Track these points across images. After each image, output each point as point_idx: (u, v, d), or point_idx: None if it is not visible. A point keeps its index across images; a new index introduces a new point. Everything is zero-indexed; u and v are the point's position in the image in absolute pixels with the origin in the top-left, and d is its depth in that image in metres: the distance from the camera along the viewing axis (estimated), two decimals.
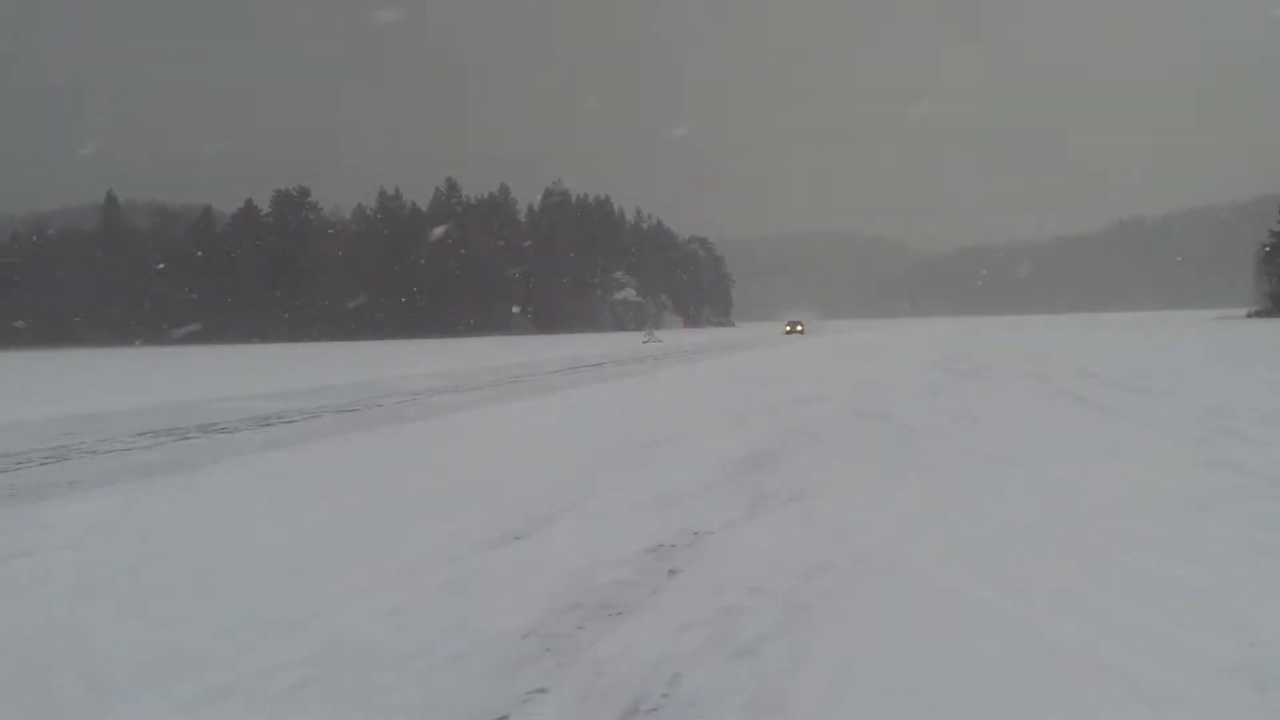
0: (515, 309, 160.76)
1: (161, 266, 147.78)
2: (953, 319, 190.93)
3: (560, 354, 63.48)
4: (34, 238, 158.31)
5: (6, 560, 9.18)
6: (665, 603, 7.47)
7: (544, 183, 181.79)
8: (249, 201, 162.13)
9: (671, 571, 8.31)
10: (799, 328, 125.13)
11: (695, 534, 9.68)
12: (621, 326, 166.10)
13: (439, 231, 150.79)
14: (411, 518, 10.78)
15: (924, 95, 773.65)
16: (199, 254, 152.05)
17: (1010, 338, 69.62)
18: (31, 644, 6.83)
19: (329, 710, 5.65)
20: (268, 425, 21.97)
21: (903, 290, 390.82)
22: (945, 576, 7.80)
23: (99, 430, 21.60)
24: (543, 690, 5.84)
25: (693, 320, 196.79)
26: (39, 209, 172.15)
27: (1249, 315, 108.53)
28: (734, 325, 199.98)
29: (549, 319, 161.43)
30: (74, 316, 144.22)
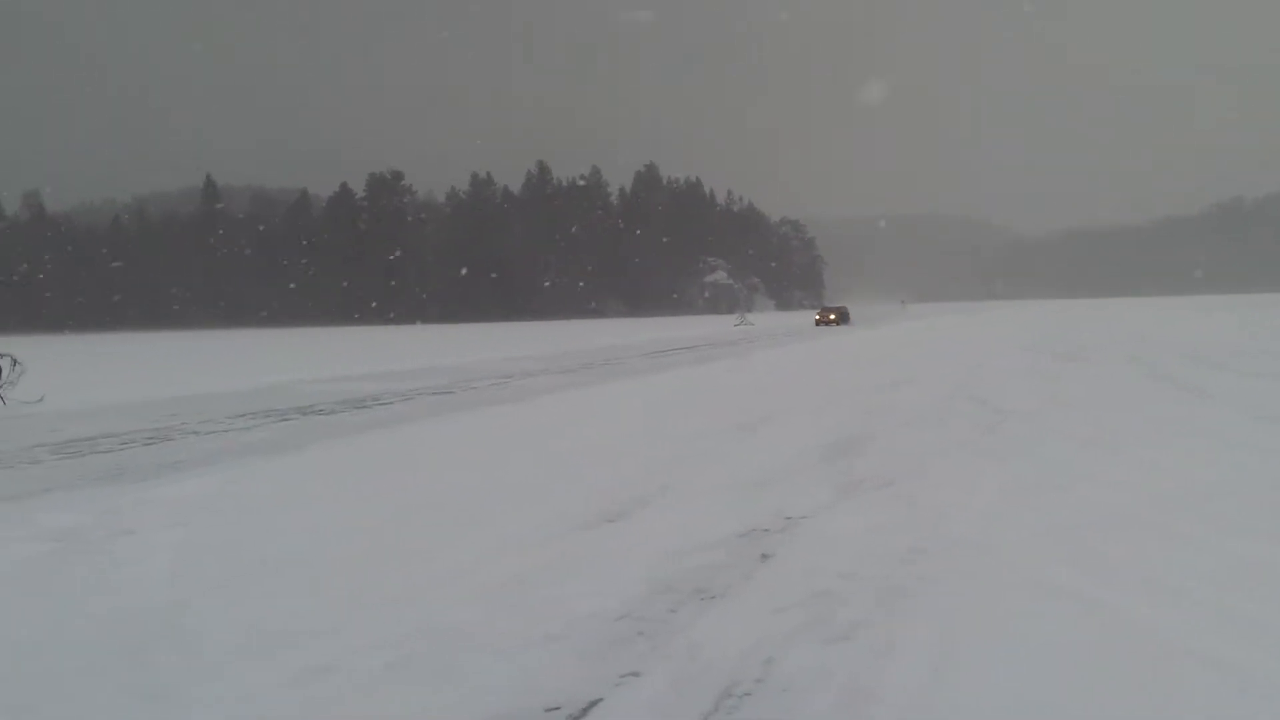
0: (607, 292, 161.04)
1: (256, 250, 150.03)
2: (1048, 302, 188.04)
3: (651, 337, 63.53)
4: (135, 222, 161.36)
5: (112, 538, 9.38)
6: (758, 587, 7.46)
7: (635, 165, 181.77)
8: (344, 185, 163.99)
9: (764, 556, 8.30)
10: (831, 317, 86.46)
11: (787, 518, 9.65)
12: (713, 309, 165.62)
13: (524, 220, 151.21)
14: (505, 499, 10.86)
15: (1017, 73, 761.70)
16: (295, 237, 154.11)
17: (1107, 320, 68.50)
18: (135, 620, 6.97)
19: (424, 689, 5.71)
20: (363, 407, 22.24)
21: (996, 273, 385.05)
22: (1039, 563, 7.71)
23: (200, 412, 22.01)
24: (636, 674, 5.86)
25: (784, 303, 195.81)
26: (140, 193, 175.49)
27: None
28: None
29: (641, 302, 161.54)
30: (173, 299, 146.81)
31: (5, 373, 24.86)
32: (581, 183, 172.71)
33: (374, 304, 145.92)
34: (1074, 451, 12.94)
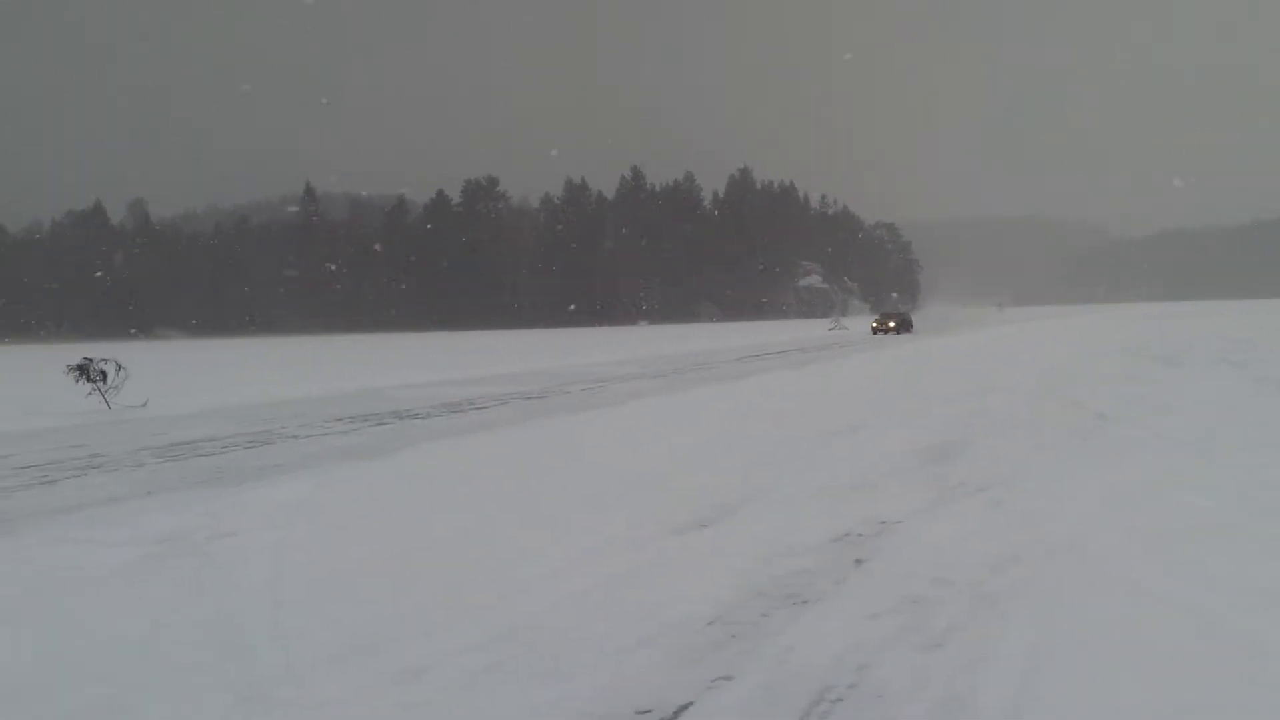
0: (700, 297, 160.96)
1: (353, 256, 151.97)
2: (1150, 304, 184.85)
3: (744, 341, 63.42)
4: (235, 229, 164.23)
5: (212, 540, 9.55)
6: (851, 592, 7.43)
7: (729, 169, 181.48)
8: (440, 191, 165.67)
9: (858, 561, 8.26)
10: (890, 325, 75.80)
11: (881, 523, 9.60)
12: (807, 313, 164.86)
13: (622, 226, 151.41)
14: (598, 503, 10.90)
15: (1112, 72, 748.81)
16: (391, 243, 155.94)
17: (1210, 323, 67.14)
18: (235, 620, 7.10)
19: (516, 691, 5.75)
20: (458, 411, 22.46)
21: (1094, 275, 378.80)
22: (1137, 569, 7.59)
23: (298, 416, 22.36)
24: (728, 677, 5.86)
25: (879, 307, 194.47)
26: (241, 201, 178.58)
27: None
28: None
29: (734, 306, 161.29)
30: (271, 305, 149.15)
31: (110, 378, 25.45)
32: (675, 187, 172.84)
33: (469, 309, 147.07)
34: (1173, 457, 12.72)
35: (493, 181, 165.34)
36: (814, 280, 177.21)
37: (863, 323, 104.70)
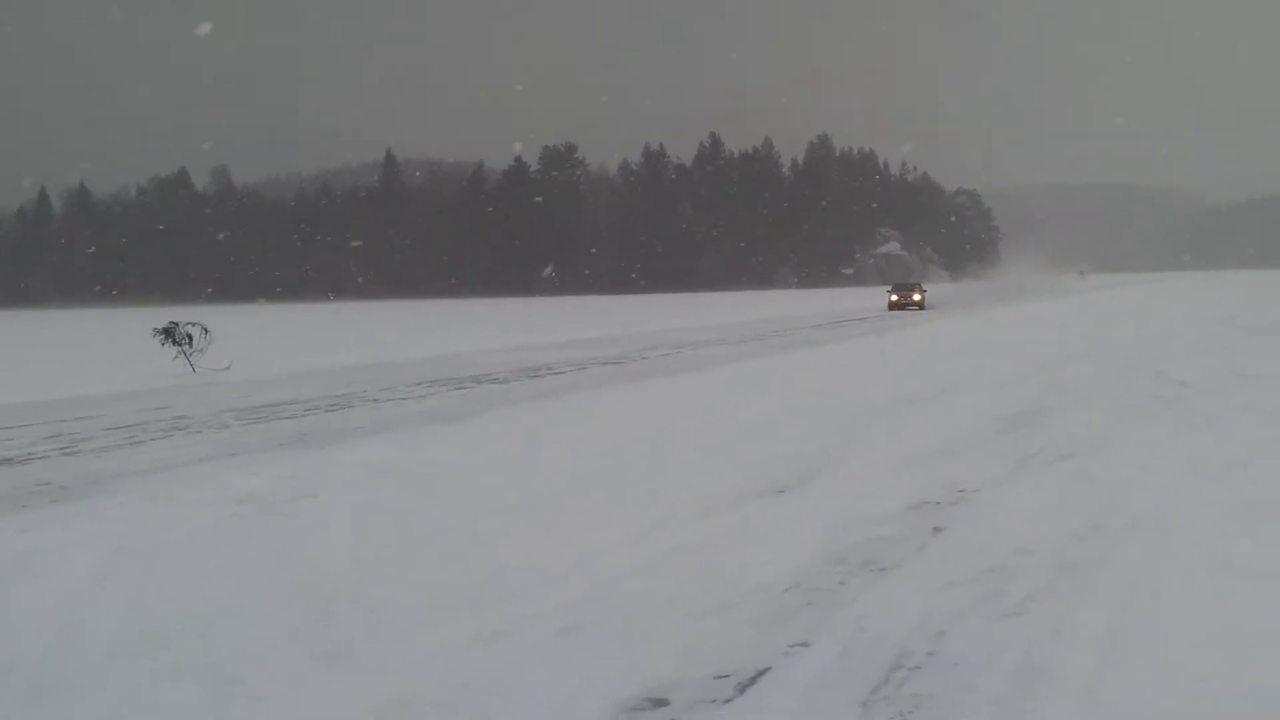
0: (778, 263, 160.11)
1: (433, 222, 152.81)
2: (1239, 272, 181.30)
3: (823, 308, 63.07)
4: (318, 195, 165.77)
5: (295, 501, 9.69)
6: (929, 560, 7.39)
7: (808, 135, 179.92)
8: (518, 158, 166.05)
9: (936, 529, 8.22)
10: (915, 298, 62.20)
11: (960, 491, 9.54)
12: (885, 281, 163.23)
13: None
14: (675, 469, 10.93)
15: (1204, 36, 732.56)
16: (471, 209, 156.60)
17: None
18: (317, 582, 7.19)
19: (595, 656, 5.78)
20: (537, 376, 22.58)
21: (1183, 242, 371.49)
22: (1221, 540, 7.48)
23: (380, 380, 22.57)
24: (805, 644, 5.86)
25: (958, 274, 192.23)
26: (324, 167, 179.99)
27: None
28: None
29: (813, 274, 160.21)
30: (354, 271, 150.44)
31: (196, 341, 25.84)
32: (753, 154, 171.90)
33: (548, 275, 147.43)
34: (1258, 426, 12.49)
35: (571, 148, 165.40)
36: (893, 248, 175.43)
37: (942, 291, 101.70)
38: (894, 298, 61.51)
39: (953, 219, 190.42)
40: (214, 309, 67.06)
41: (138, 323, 28.51)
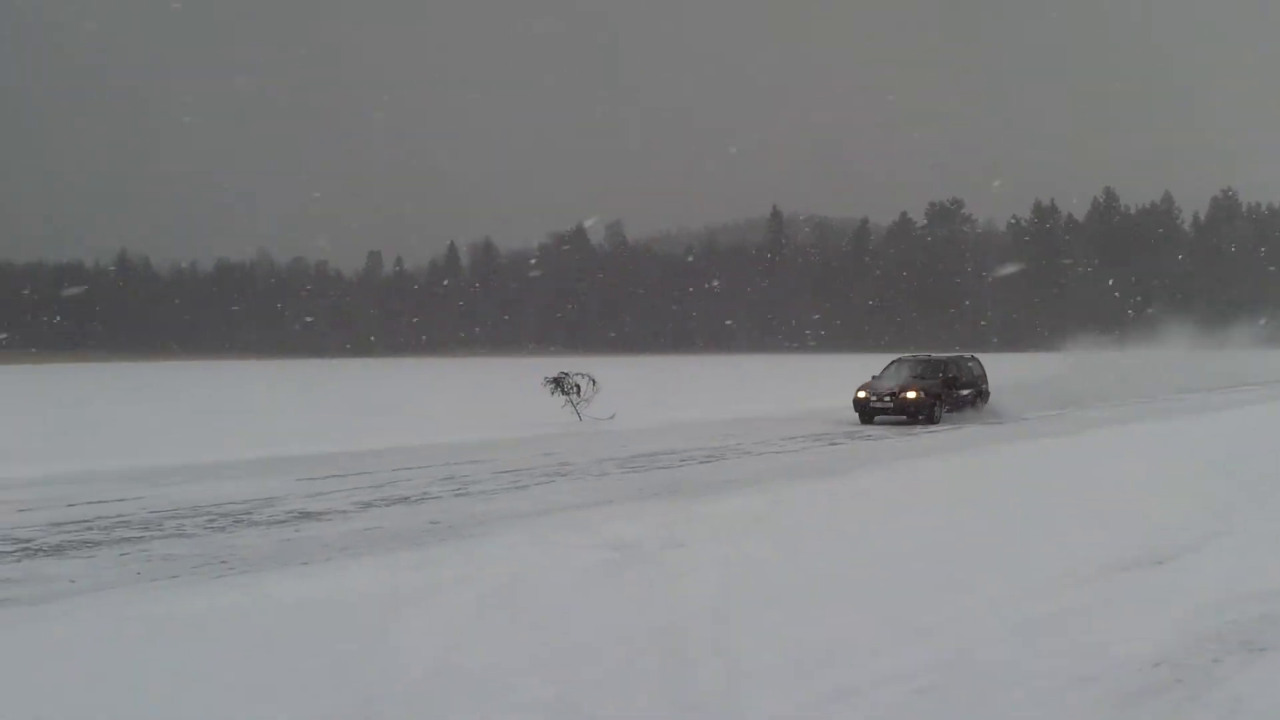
0: (1172, 318, 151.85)
1: (817, 278, 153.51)
2: None
3: (1226, 369, 59.38)
4: (705, 250, 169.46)
5: (665, 550, 9.99)
6: None
7: (1211, 190, 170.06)
8: (904, 214, 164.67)
9: None
10: (910, 395, 26.58)
11: None
12: None
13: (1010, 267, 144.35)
14: (1047, 531, 10.64)
15: None
16: (855, 265, 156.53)
17: None
18: (680, 630, 7.39)
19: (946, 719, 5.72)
20: (910, 435, 22.38)
21: None
22: None
23: (754, 433, 22.92)
24: None
25: None
26: (712, 222, 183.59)
27: None
28: None
29: (1218, 331, 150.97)
30: (735, 324, 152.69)
31: (583, 390, 26.95)
32: (1151, 209, 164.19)
33: (933, 331, 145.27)
34: None
35: (957, 203, 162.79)
36: None
37: None
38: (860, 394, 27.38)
39: None
40: (602, 360, 69.64)
41: (532, 373, 29.98)
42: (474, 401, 39.13)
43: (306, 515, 12.91)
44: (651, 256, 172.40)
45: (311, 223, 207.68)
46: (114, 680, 6.41)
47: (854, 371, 35.11)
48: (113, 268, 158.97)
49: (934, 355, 30.92)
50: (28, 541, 11.32)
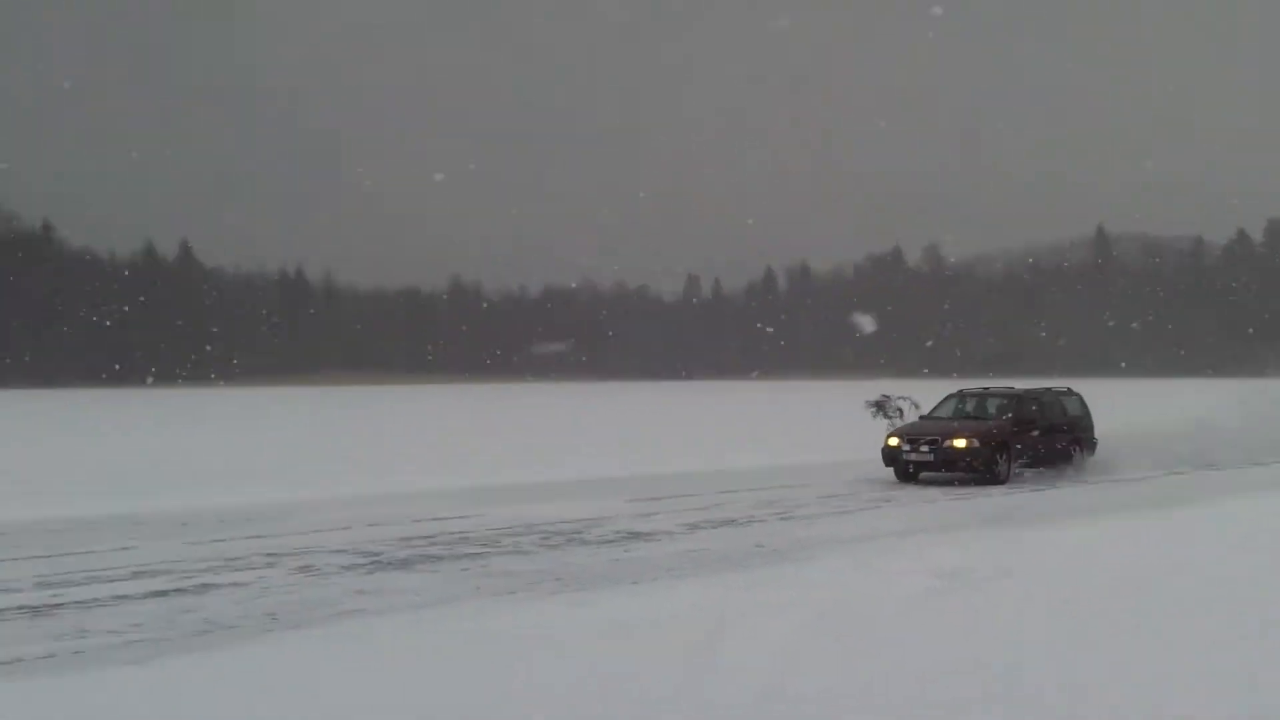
0: None
1: (1146, 300, 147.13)
2: None
3: None
4: (1025, 271, 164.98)
5: (991, 579, 9.76)
6: None
7: None
8: (1240, 230, 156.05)
9: None
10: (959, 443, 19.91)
11: None
12: None
13: None
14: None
15: None
16: (1187, 287, 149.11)
17: None
18: (990, 666, 7.20)
19: None
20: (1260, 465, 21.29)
21: None
22: None
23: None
24: None
25: None
26: (1034, 241, 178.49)
27: None
28: None
29: None
30: (1057, 349, 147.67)
31: (906, 414, 26.62)
32: None
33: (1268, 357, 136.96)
34: None
35: None
36: None
37: None
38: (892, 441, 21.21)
39: None
40: (923, 383, 68.57)
41: (856, 394, 29.81)
42: (799, 426, 39.20)
43: (635, 535, 13.34)
44: (972, 277, 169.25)
45: (629, 248, 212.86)
46: (457, 689, 6.78)
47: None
48: (445, 295, 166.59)
49: (1010, 388, 23.97)
50: (377, 555, 12.04)
